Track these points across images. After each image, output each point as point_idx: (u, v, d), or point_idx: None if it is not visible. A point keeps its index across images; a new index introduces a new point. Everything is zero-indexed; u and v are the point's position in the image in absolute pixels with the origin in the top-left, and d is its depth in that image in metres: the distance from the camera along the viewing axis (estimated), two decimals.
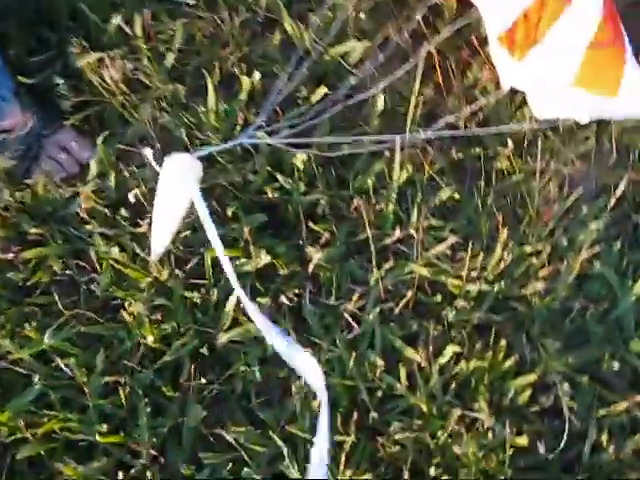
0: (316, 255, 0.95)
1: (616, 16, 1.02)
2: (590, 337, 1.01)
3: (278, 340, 0.84)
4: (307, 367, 0.84)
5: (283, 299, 0.95)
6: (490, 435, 0.89)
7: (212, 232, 0.86)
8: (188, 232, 0.96)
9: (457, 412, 0.89)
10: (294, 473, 0.87)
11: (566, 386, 0.94)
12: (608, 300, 1.03)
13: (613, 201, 1.05)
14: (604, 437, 0.93)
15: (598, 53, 1.00)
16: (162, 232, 0.92)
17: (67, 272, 0.97)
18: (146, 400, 0.89)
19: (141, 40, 1.05)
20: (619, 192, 1.05)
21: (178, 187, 0.88)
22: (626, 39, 1.02)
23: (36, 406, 0.88)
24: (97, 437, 0.86)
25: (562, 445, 0.91)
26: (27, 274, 0.95)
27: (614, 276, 1.03)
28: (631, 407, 0.94)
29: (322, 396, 0.82)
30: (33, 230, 0.96)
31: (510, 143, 1.05)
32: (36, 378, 0.89)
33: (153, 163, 0.89)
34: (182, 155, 0.90)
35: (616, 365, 0.98)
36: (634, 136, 1.12)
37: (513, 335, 0.97)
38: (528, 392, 0.92)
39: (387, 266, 0.97)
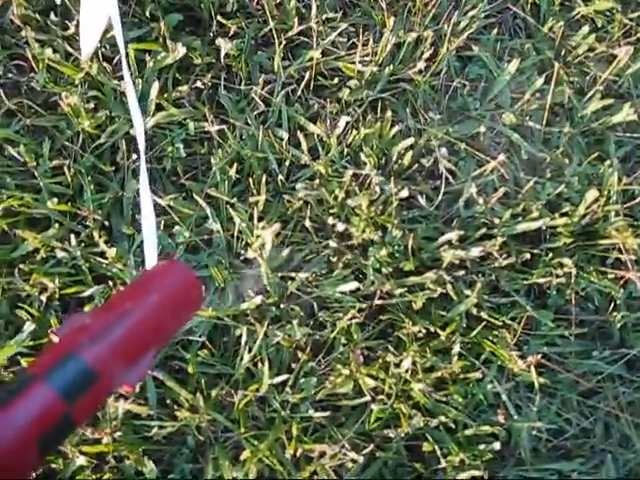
0: (226, 45, 1.09)
1: None
2: (469, 113, 1.18)
3: None
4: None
5: (200, 86, 1.10)
6: (378, 190, 1.08)
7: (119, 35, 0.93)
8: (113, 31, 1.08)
9: (350, 172, 1.07)
10: (220, 231, 1.05)
11: (444, 150, 1.12)
12: (486, 80, 1.20)
13: None
14: (476, 194, 1.12)
15: None
16: (90, 33, 1.04)
17: (9, 75, 1.09)
18: (89, 178, 1.05)
19: None
20: None
21: None
22: None
23: None
24: (50, 206, 1.02)
25: (440, 198, 1.11)
26: None
27: (491, 59, 1.19)
28: (498, 166, 1.13)
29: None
30: None
31: None
32: None
33: None
34: None
35: (490, 136, 1.17)
36: None
37: (400, 109, 1.14)
38: (410, 154, 1.09)
39: (290, 55, 1.12)
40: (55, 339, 0.48)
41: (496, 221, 1.11)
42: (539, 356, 1.05)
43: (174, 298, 0.56)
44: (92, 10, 1.01)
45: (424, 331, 1.06)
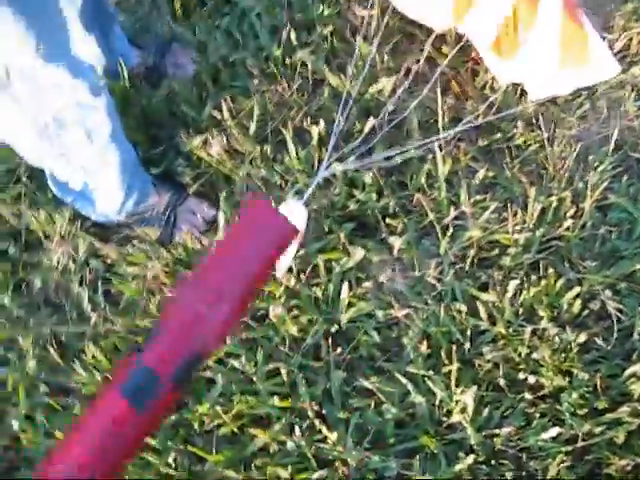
0: (397, 242, 1.27)
1: (575, 6, 1.32)
2: (621, 253, 1.30)
3: None
4: None
5: (380, 280, 1.28)
6: (557, 340, 1.19)
7: None
8: (302, 250, 1.29)
9: (528, 329, 1.19)
10: (422, 402, 1.18)
11: (608, 292, 1.23)
12: (628, 222, 1.32)
13: (612, 146, 1.35)
14: None
15: (568, 38, 1.29)
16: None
17: None
18: (301, 375, 1.22)
19: (228, 119, 1.40)
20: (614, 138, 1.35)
21: None
22: (585, 19, 1.32)
23: (222, 397, 1.21)
24: (271, 404, 1.18)
25: (614, 336, 1.20)
26: None
27: (628, 202, 1.32)
28: None
29: None
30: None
31: (520, 123, 1.36)
32: (219, 377, 1.22)
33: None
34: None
35: None
36: (618, 92, 1.42)
37: (559, 265, 1.27)
38: (578, 302, 1.21)
39: (450, 238, 1.29)
40: None
41: None
42: None
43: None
44: None
45: (632, 464, 1.12)
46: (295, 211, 1.21)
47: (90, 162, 1.20)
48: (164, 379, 0.55)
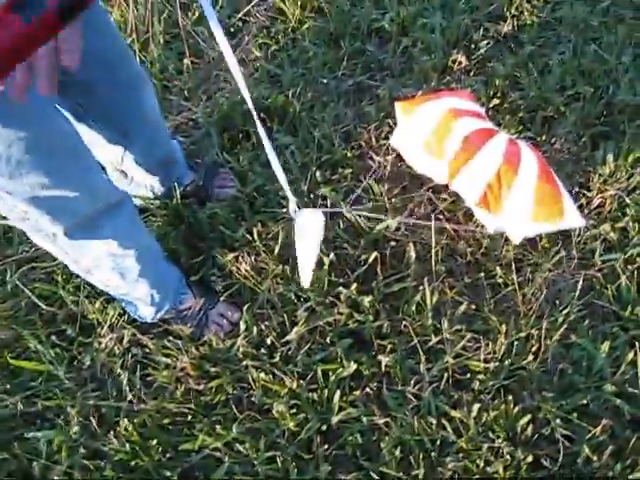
0: (385, 359, 1.52)
1: (549, 171, 1.57)
2: (577, 386, 1.52)
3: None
4: None
5: (368, 390, 1.52)
6: (509, 457, 1.41)
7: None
8: (299, 356, 1.54)
9: (486, 445, 1.41)
10: None
11: (559, 421, 1.45)
12: (586, 359, 1.54)
13: (578, 292, 1.59)
14: (590, 453, 1.42)
15: (543, 197, 1.54)
16: (306, 266, 1.48)
17: (234, 392, 1.56)
18: (293, 464, 1.45)
19: (257, 240, 1.69)
20: (580, 284, 1.59)
21: (310, 232, 1.43)
22: (558, 181, 1.56)
23: (227, 476, 1.46)
24: None
25: (560, 460, 1.42)
26: (206, 389, 1.56)
27: (588, 342, 1.55)
28: (607, 427, 1.44)
29: None
30: (212, 369, 1.56)
31: (501, 264, 1.62)
32: (226, 458, 1.47)
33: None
34: (310, 210, 1.47)
35: (597, 403, 1.49)
36: (590, 244, 1.67)
37: (519, 391, 1.50)
38: (531, 427, 1.43)
39: (432, 360, 1.53)
40: None
41: (609, 474, 1.39)
42: None
43: None
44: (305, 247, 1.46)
45: None
46: (312, 218, 1.44)
47: (124, 287, 1.48)
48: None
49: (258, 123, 1.17)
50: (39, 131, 1.01)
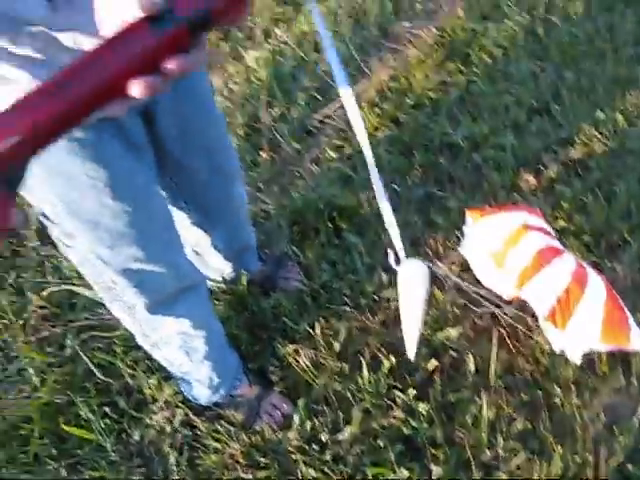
0: (436, 468, 1.50)
1: (616, 296, 1.58)
2: None
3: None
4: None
5: None
6: None
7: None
8: (350, 456, 1.53)
9: None
10: None
11: None
12: None
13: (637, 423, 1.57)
14: None
15: (612, 319, 1.54)
16: (411, 331, 1.34)
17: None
18: None
19: (319, 335, 1.71)
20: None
21: (415, 286, 1.26)
22: (623, 306, 1.57)
23: None
24: None
25: None
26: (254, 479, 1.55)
27: None
28: None
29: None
30: (262, 459, 1.56)
31: (557, 387, 1.61)
32: None
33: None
34: (415, 262, 1.27)
35: None
36: None
37: None
38: None
39: (484, 474, 1.51)
40: None
41: None
42: None
43: None
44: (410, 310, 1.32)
45: None
46: (417, 270, 1.27)
47: (187, 367, 1.51)
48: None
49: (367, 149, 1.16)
50: (143, 206, 1.07)
